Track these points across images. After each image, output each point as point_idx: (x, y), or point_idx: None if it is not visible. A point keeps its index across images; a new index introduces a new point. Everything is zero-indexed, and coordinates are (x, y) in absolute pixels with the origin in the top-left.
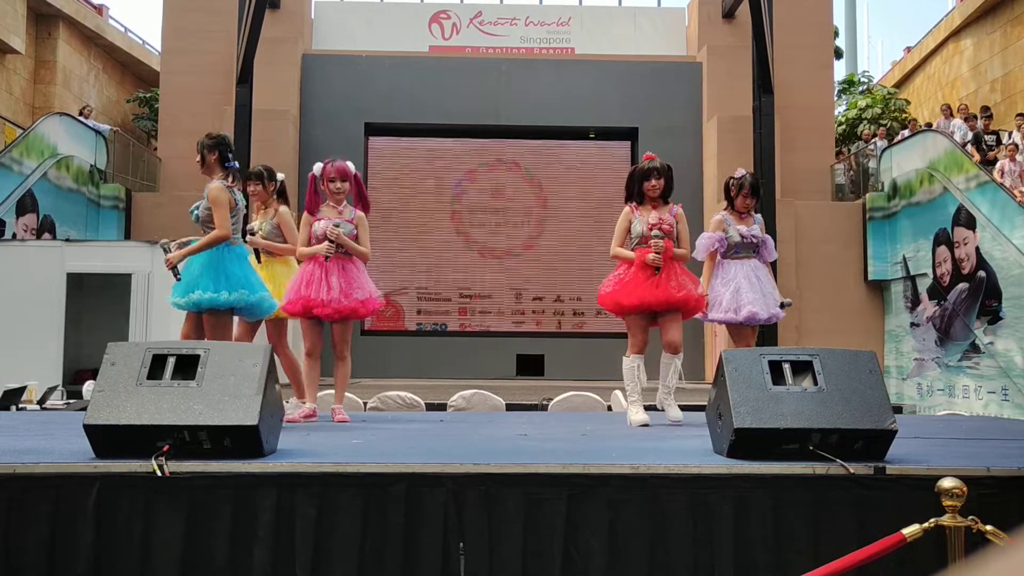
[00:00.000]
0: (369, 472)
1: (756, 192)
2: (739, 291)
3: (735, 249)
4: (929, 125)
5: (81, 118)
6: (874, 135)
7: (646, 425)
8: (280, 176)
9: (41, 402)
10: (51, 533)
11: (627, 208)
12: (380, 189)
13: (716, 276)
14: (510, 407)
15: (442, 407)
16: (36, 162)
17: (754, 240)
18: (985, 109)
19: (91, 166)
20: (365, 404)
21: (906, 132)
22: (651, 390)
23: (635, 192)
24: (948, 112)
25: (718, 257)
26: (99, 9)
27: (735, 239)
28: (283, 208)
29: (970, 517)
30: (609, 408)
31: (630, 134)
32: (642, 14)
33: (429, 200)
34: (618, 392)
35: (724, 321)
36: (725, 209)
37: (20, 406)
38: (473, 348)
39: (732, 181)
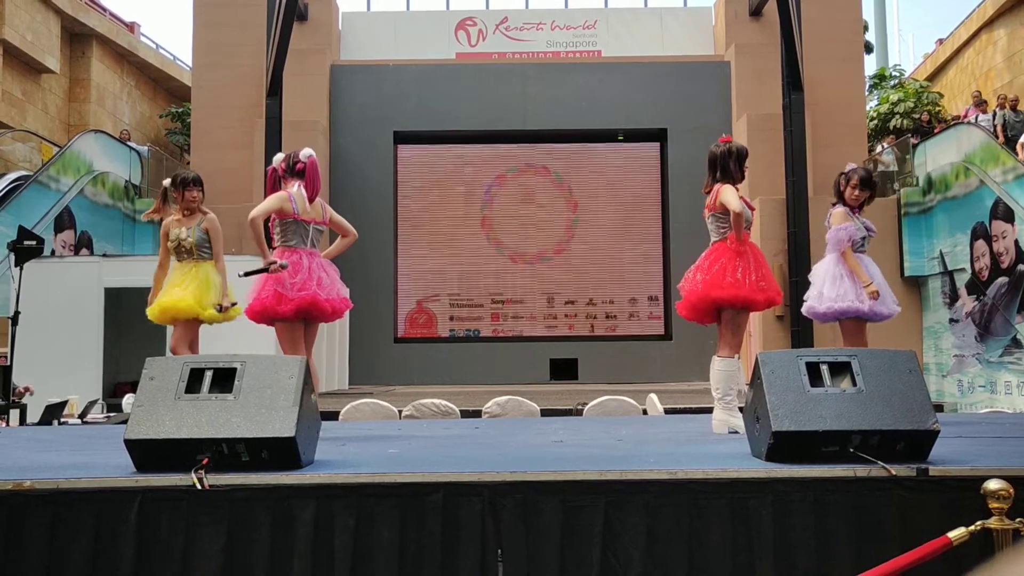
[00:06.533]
0: (406, 482)
1: (867, 184)
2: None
3: (860, 243)
4: (957, 118)
5: (120, 140)
6: (902, 131)
7: (736, 432)
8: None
9: (82, 416)
10: (94, 547)
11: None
12: (410, 197)
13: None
14: (545, 412)
15: (477, 414)
16: (73, 179)
17: (872, 234)
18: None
19: (126, 182)
20: (400, 412)
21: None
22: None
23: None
24: (979, 98)
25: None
26: (131, 27)
27: (861, 232)
28: (211, 215)
29: (1018, 519)
30: (644, 412)
31: (659, 135)
32: (669, 14)
33: (459, 207)
34: (653, 395)
35: (844, 312)
36: (837, 205)
37: (62, 420)
38: (506, 353)
39: (841, 176)
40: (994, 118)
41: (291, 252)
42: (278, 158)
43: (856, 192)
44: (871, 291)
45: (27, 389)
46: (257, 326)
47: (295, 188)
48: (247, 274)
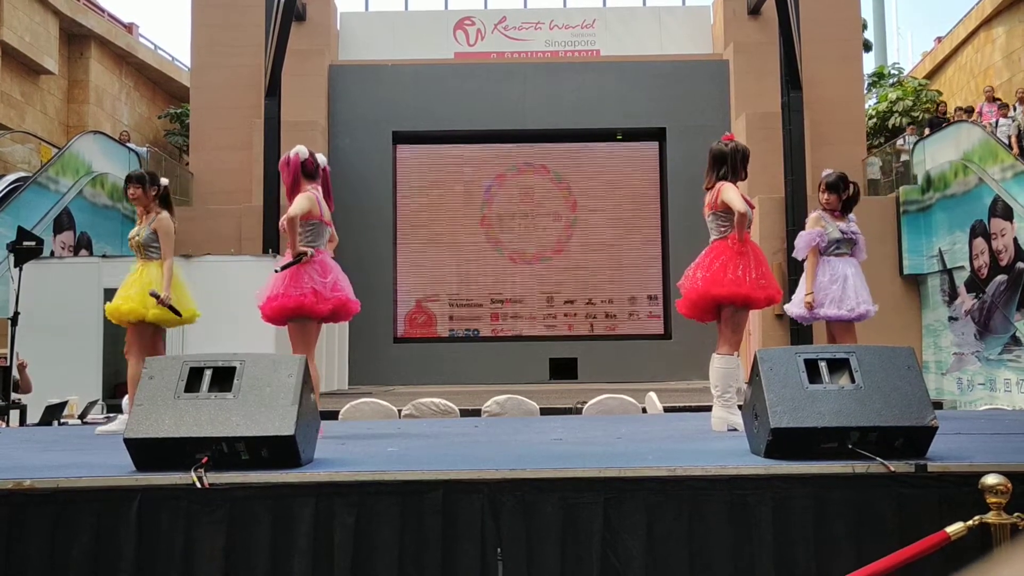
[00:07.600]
0: (406, 480)
1: (833, 188)
2: (854, 288)
3: (835, 245)
4: (970, 111)
5: (119, 141)
6: (910, 123)
7: (735, 429)
8: (164, 181)
9: (82, 416)
10: (94, 546)
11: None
12: (409, 197)
13: (823, 273)
14: (544, 411)
15: (476, 413)
16: (72, 180)
17: (853, 236)
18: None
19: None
20: (400, 411)
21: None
22: (676, 389)
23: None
24: (991, 95)
25: (818, 254)
26: (129, 28)
27: (835, 235)
28: (164, 214)
29: (1015, 514)
30: (644, 410)
31: (658, 134)
32: (667, 13)
33: (458, 206)
34: (652, 394)
35: (836, 317)
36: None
37: (62, 421)
38: (506, 353)
39: None
40: (1011, 124)
41: (315, 252)
42: (304, 152)
43: (824, 196)
44: (806, 302)
45: (23, 364)
46: (256, 325)
47: (317, 191)
48: (284, 267)
